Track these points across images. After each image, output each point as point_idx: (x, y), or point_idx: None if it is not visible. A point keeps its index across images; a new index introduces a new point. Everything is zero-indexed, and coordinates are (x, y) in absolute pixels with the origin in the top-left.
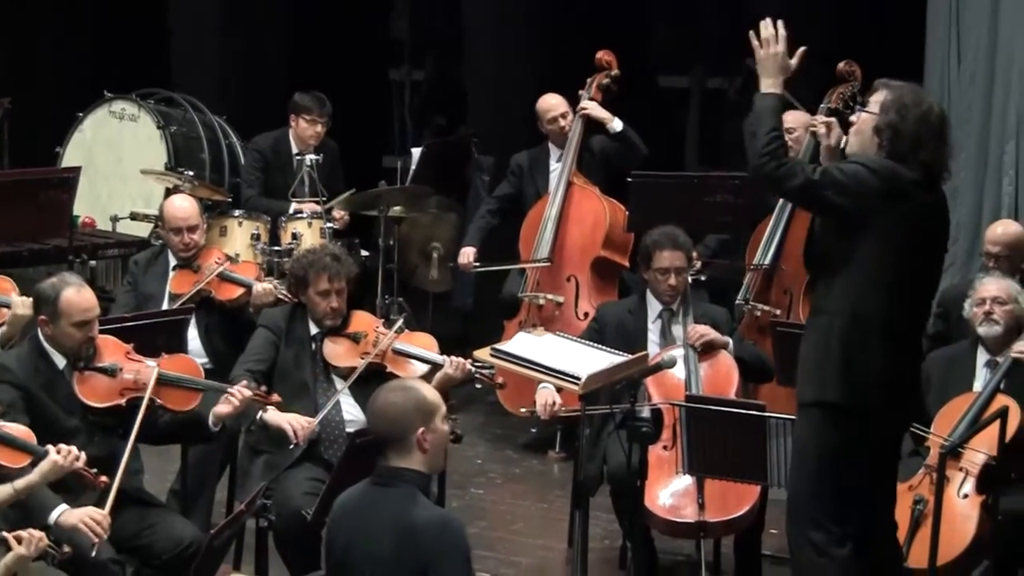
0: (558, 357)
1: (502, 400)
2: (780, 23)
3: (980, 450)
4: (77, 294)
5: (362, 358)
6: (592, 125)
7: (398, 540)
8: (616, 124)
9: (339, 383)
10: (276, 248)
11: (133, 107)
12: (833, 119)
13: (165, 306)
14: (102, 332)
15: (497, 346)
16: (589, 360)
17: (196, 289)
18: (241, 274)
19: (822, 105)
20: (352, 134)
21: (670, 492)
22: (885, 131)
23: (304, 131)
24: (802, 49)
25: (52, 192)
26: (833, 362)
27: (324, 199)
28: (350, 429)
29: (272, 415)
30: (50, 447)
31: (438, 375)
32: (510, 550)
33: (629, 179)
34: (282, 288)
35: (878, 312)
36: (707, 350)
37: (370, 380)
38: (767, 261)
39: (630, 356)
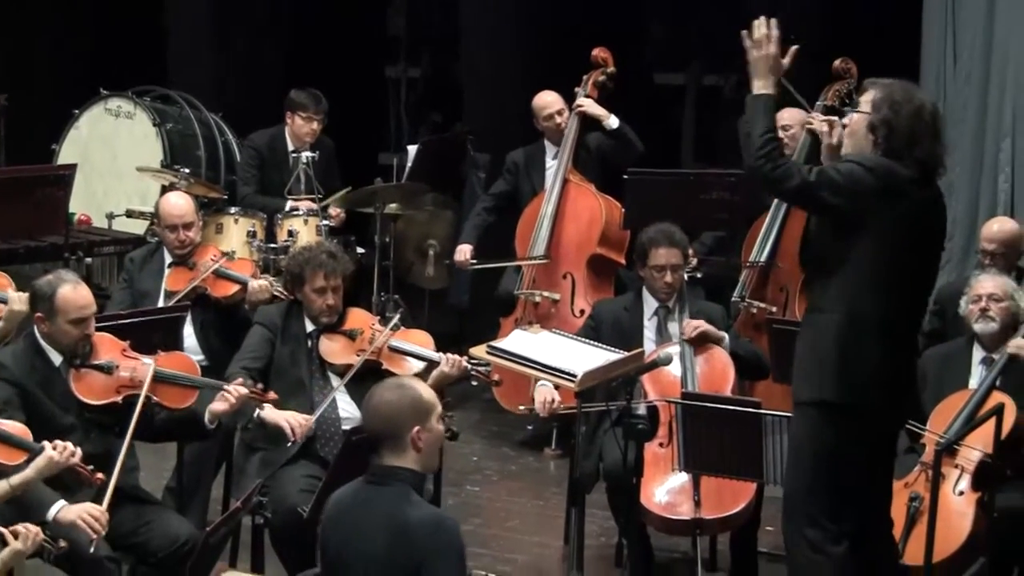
0: (554, 354)
1: (498, 397)
2: (773, 22)
3: (976, 447)
4: (73, 291)
5: (358, 355)
6: (588, 122)
7: (392, 539)
8: (612, 121)
9: (335, 380)
10: (272, 245)
11: (129, 104)
12: (835, 118)
13: (161, 303)
14: (98, 329)
15: (493, 343)
16: (585, 357)
17: (192, 286)
18: (237, 271)
19: (818, 102)
20: (348, 131)
21: (666, 489)
22: (880, 128)
23: (300, 128)
24: (794, 48)
25: (48, 189)
26: (830, 361)
27: (320, 196)
28: (346, 426)
29: (269, 413)
30: (46, 443)
31: (434, 373)
32: (506, 547)
33: (625, 176)
34: (278, 285)
35: (875, 311)
36: (702, 343)
37: (366, 377)
38: (763, 258)
39: (626, 353)
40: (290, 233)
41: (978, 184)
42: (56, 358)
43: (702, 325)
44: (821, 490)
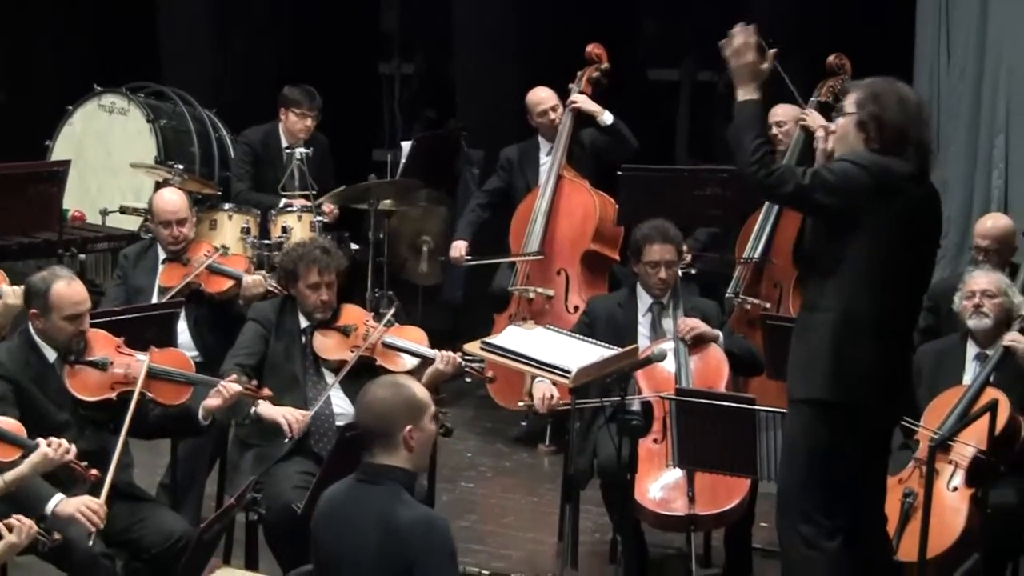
0: (548, 350)
1: (492, 394)
2: (751, 28)
3: (969, 443)
4: (68, 287)
5: (352, 351)
6: (582, 118)
7: (383, 538)
8: (606, 117)
9: (329, 376)
10: (266, 242)
11: (123, 101)
12: (831, 124)
13: (155, 300)
14: (92, 326)
15: (487, 339)
16: (579, 353)
17: (185, 282)
18: (230, 267)
19: (812, 98)
20: (342, 128)
21: (660, 485)
22: (869, 124)
23: (294, 125)
24: (772, 51)
25: (41, 186)
26: (825, 359)
27: (314, 192)
28: (340, 423)
29: (266, 408)
30: (40, 440)
31: (429, 370)
32: (500, 543)
33: (619, 172)
34: (272, 280)
35: (870, 309)
36: (697, 343)
37: (360, 374)
38: (757, 254)
39: (620, 349)
40: (284, 229)
41: (972, 180)
42: (50, 354)
43: (697, 327)
44: (815, 486)
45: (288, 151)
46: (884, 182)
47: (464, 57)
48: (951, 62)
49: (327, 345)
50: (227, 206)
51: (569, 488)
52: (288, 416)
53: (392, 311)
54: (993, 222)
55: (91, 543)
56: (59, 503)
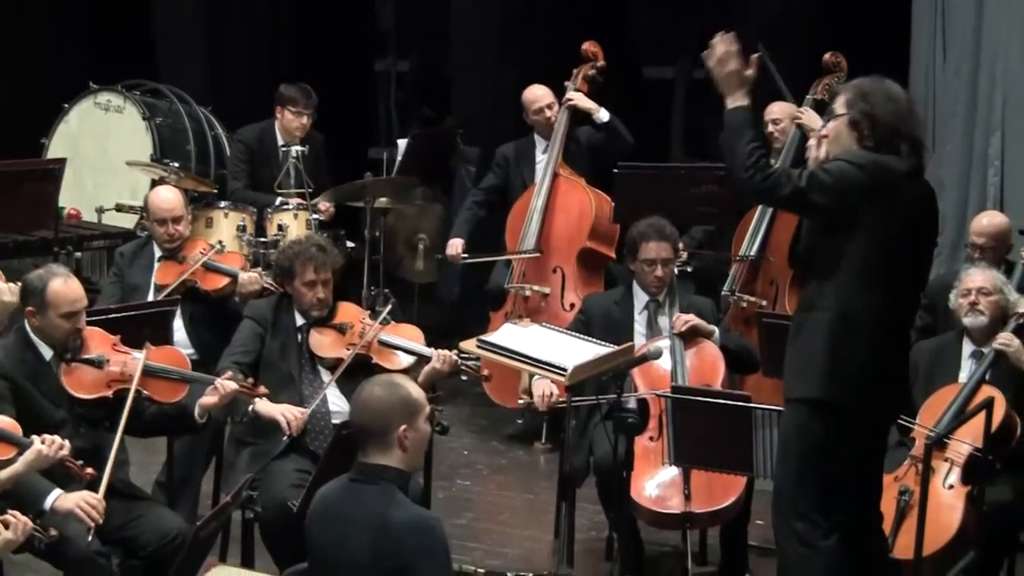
0: (544, 348)
1: (488, 392)
2: (731, 36)
3: (965, 441)
4: (64, 285)
5: (348, 349)
6: (578, 116)
7: (377, 539)
8: (602, 114)
9: (325, 374)
10: (262, 239)
11: (119, 98)
12: (823, 129)
13: (151, 297)
14: (88, 323)
15: (483, 337)
16: (575, 351)
17: (181, 279)
18: (226, 264)
19: (808, 96)
20: (338, 125)
21: (656, 483)
22: (862, 122)
23: (290, 123)
24: (755, 56)
25: (37, 183)
26: (822, 359)
27: (310, 190)
28: (336, 420)
29: (264, 406)
30: (35, 438)
31: (425, 369)
32: (497, 541)
33: (615, 170)
34: (268, 277)
35: (867, 309)
36: (692, 337)
37: (356, 372)
38: (753, 252)
39: (616, 347)
40: (280, 227)
41: (967, 178)
42: (47, 352)
43: (692, 319)
44: (811, 485)
45: (284, 149)
46: (880, 180)
47: (460, 55)
48: (947, 61)
49: (323, 343)
50: (223, 204)
51: (565, 486)
52: (287, 413)
53: (388, 308)
54: (989, 220)
55: (90, 538)
56: (58, 498)
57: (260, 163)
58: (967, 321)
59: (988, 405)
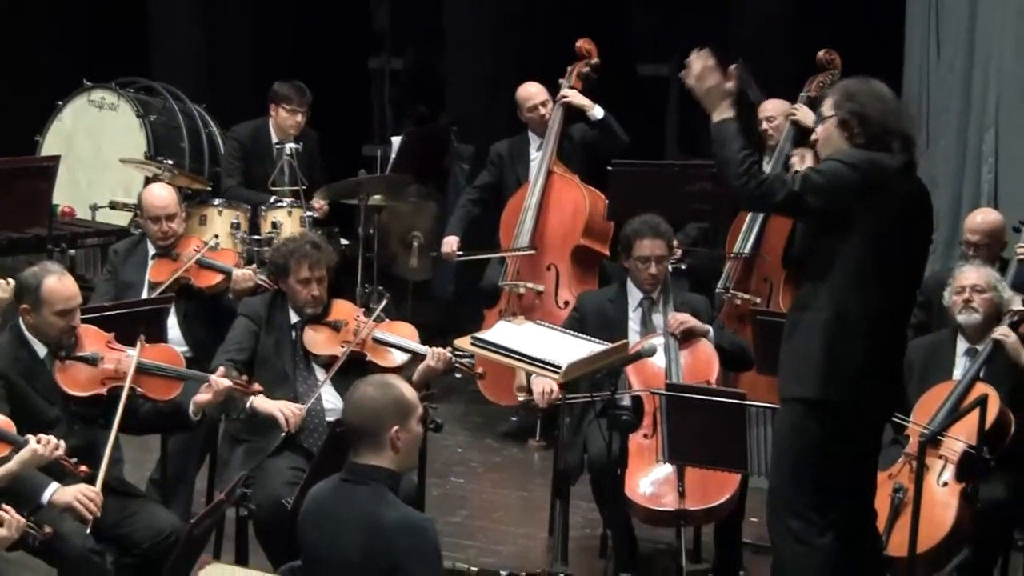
0: (538, 346)
1: (482, 389)
2: (705, 52)
3: (959, 438)
4: (59, 283)
5: (342, 347)
6: (572, 113)
7: (368, 540)
8: (597, 111)
9: (319, 372)
10: (256, 237)
11: (113, 96)
12: (807, 151)
13: (145, 295)
14: (82, 321)
15: (477, 335)
16: (569, 348)
17: (175, 277)
18: (220, 261)
19: (802, 93)
20: (332, 123)
21: (650, 480)
22: (851, 121)
23: (284, 120)
24: (733, 67)
25: (31, 181)
26: (817, 358)
27: (304, 188)
28: (330, 418)
29: (262, 402)
30: (30, 437)
31: (420, 367)
32: (491, 539)
33: (609, 168)
34: (262, 274)
35: (862, 308)
36: (687, 338)
37: (350, 369)
38: (747, 250)
39: (610, 344)
40: (274, 225)
41: (961, 175)
42: (41, 350)
43: (688, 321)
44: (806, 483)
45: (278, 147)
46: (874, 178)
47: (454, 52)
48: (940, 57)
49: (317, 340)
50: (217, 201)
51: (559, 483)
52: (284, 410)
53: (383, 304)
54: (983, 217)
55: (88, 530)
56: (55, 492)
57: (254, 161)
58: (961, 318)
59: (982, 402)
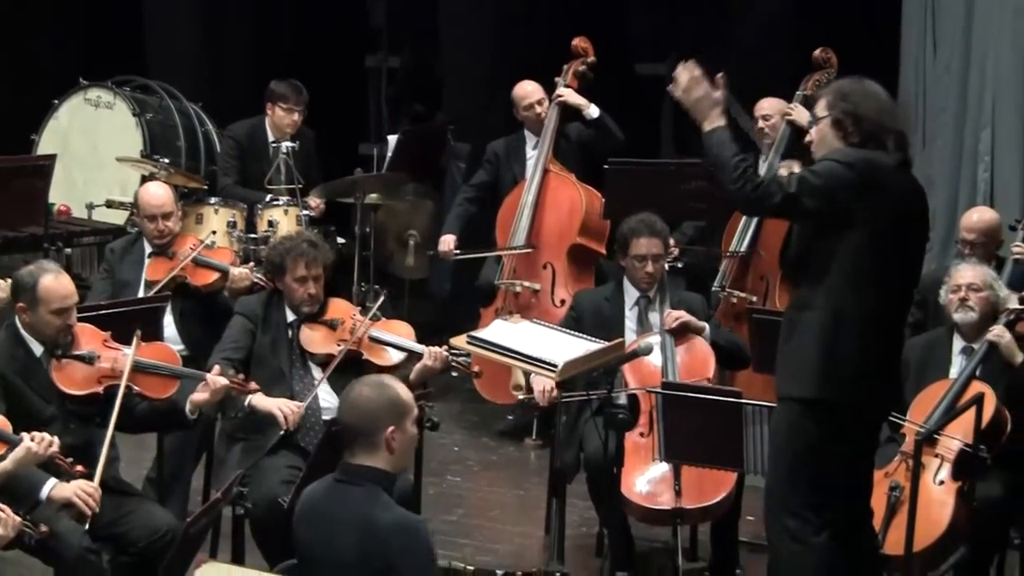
0: (534, 344)
1: (479, 388)
2: (691, 64)
3: (955, 437)
4: (55, 281)
5: (339, 345)
6: (569, 112)
7: (362, 541)
8: (593, 110)
9: (315, 370)
10: (252, 236)
11: (108, 94)
12: (795, 163)
13: (141, 293)
14: (79, 320)
15: (474, 333)
16: (565, 347)
17: (171, 275)
18: (216, 259)
19: (798, 92)
20: (328, 121)
21: (647, 479)
22: (846, 120)
23: (281, 119)
24: (719, 76)
25: (27, 180)
26: (814, 358)
27: (300, 187)
28: (327, 417)
29: (260, 400)
30: (24, 435)
31: (417, 366)
32: (487, 537)
33: (605, 166)
34: (258, 272)
35: (859, 307)
36: (683, 333)
37: (346, 368)
38: (743, 248)
39: (607, 343)
40: (270, 223)
41: (958, 174)
42: (37, 348)
43: (683, 316)
44: (803, 482)
45: (274, 145)
46: (870, 177)
47: (451, 51)
48: (937, 56)
49: (314, 339)
50: (213, 200)
51: (556, 482)
52: (283, 407)
53: (380, 302)
54: (979, 215)
55: (87, 526)
56: (54, 488)
57: (250, 159)
58: (957, 317)
59: (978, 401)
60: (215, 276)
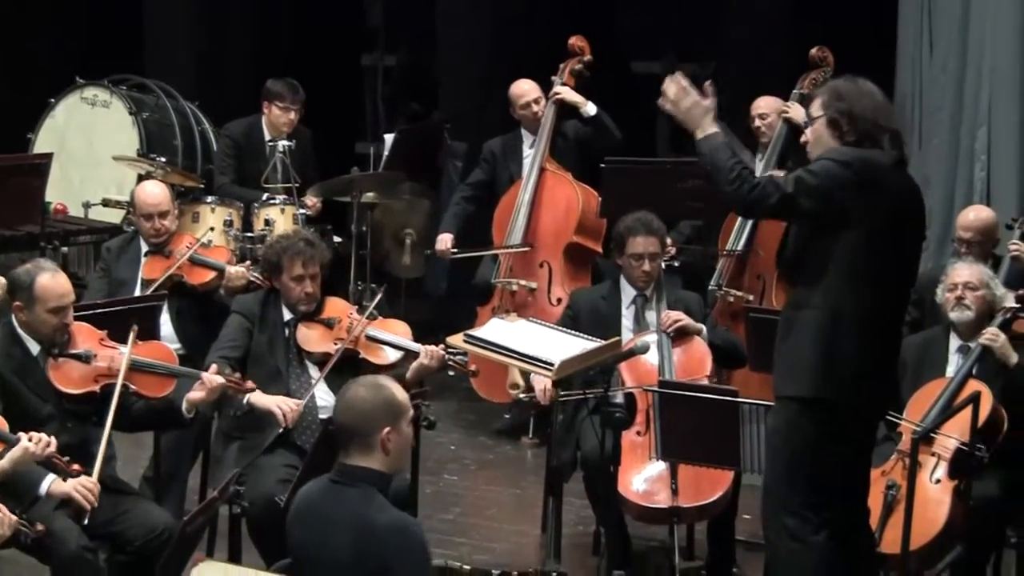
0: (531, 343)
1: (475, 387)
2: (678, 75)
3: (952, 435)
4: (52, 280)
5: (335, 344)
6: (565, 111)
7: (357, 543)
8: (590, 108)
9: (312, 369)
10: (249, 234)
11: (105, 93)
12: (805, 138)
13: (138, 292)
14: (76, 319)
15: (470, 332)
16: (562, 346)
17: (168, 274)
18: (213, 258)
19: (794, 91)
20: (325, 120)
21: (643, 478)
22: (841, 120)
23: (277, 118)
24: (707, 83)
25: (24, 178)
26: (812, 357)
27: (297, 185)
28: (323, 416)
29: (259, 397)
30: (22, 434)
31: (414, 365)
32: (484, 536)
33: (602, 165)
34: (255, 271)
35: (857, 306)
36: (681, 336)
37: (343, 366)
38: (740, 247)
39: (603, 342)
40: (267, 222)
41: (954, 173)
42: (34, 347)
43: (681, 319)
44: (801, 481)
45: (271, 144)
46: (867, 175)
47: (447, 49)
48: (933, 55)
49: (310, 337)
50: (210, 199)
51: (552, 480)
52: (282, 405)
53: (377, 300)
54: (976, 214)
55: (86, 521)
56: (53, 483)
57: (247, 158)
58: (953, 316)
59: (975, 400)
60: (211, 275)
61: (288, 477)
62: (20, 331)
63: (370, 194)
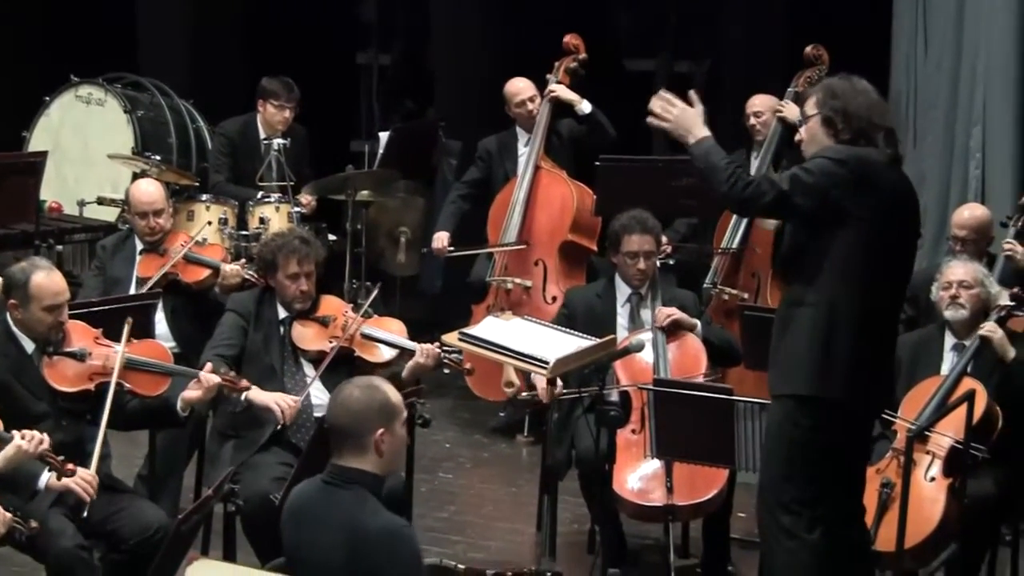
0: (526, 341)
1: (470, 385)
2: (661, 91)
3: (947, 433)
4: (47, 278)
5: (331, 342)
6: (560, 109)
7: (349, 545)
8: (585, 106)
9: (307, 367)
10: (244, 233)
11: (100, 91)
12: (799, 137)
13: (133, 290)
14: (70, 317)
15: (465, 330)
16: (557, 344)
17: (163, 272)
18: (207, 256)
19: (789, 88)
20: (319, 118)
21: (638, 476)
22: (836, 118)
23: (272, 116)
24: (691, 92)
25: (18, 177)
26: (808, 355)
27: (292, 184)
28: (318, 414)
29: (258, 394)
30: (15, 432)
31: (410, 363)
32: (479, 534)
33: (597, 163)
34: (250, 269)
35: (853, 304)
36: (675, 331)
37: (338, 365)
38: (735, 245)
39: (598, 340)
40: (262, 220)
41: (949, 171)
42: (29, 345)
43: (675, 313)
44: (797, 479)
45: (266, 142)
46: (862, 174)
47: (442, 47)
48: (928, 53)
49: (305, 335)
50: (204, 197)
51: (547, 479)
52: (280, 402)
53: (372, 297)
54: (970, 212)
55: (85, 514)
56: (51, 476)
57: (242, 156)
58: (948, 314)
59: (969, 397)
60: (206, 273)
61: (283, 475)
62: (15, 329)
63: (365, 192)
